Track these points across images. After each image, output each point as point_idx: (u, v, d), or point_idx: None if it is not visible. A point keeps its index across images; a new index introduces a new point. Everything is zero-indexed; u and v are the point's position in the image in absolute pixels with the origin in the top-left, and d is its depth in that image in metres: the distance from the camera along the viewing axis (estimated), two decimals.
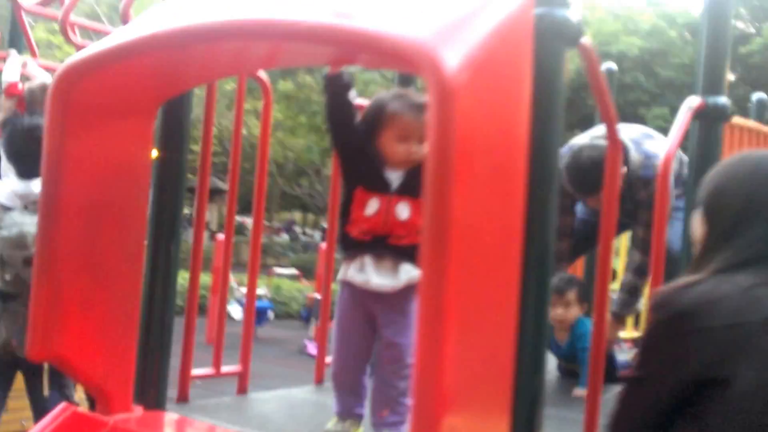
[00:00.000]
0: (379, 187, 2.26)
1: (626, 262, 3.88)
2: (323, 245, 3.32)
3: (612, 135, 2.36)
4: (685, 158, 3.48)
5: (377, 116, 2.31)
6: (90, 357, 2.22)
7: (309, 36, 1.69)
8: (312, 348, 8.30)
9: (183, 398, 2.67)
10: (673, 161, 2.73)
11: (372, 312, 2.31)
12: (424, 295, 1.53)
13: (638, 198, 3.32)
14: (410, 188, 2.24)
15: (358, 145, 2.30)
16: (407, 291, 2.27)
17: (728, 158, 1.82)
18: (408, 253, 2.22)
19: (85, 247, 2.18)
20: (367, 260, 2.26)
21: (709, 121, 2.77)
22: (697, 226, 1.76)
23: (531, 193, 1.76)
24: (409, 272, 2.25)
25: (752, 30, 14.87)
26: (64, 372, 2.36)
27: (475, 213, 1.60)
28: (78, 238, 2.15)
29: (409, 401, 2.31)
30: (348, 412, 2.36)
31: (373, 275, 2.25)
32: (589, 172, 3.18)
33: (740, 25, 14.56)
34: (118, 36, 2.05)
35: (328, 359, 2.75)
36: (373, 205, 2.25)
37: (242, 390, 2.87)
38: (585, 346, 3.15)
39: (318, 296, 7.30)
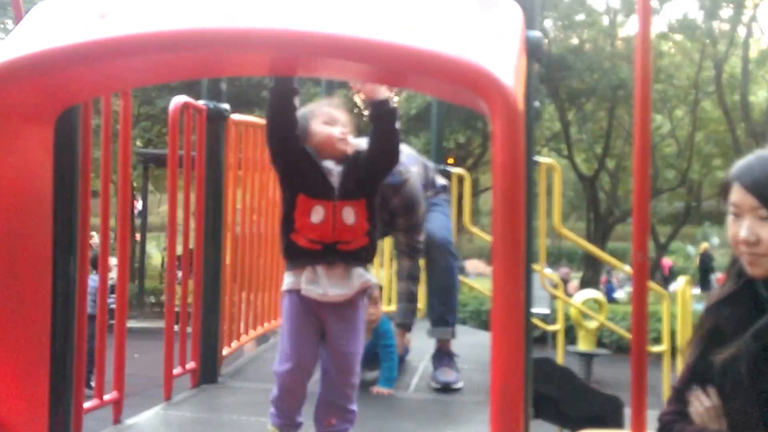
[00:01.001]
0: (322, 192, 2.25)
1: (397, 271, 3.81)
2: None
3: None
4: (430, 164, 3.86)
5: (304, 118, 2.38)
6: (15, 408, 1.89)
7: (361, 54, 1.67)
8: None
9: None
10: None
11: (321, 320, 2.29)
12: (502, 308, 1.60)
13: (392, 205, 3.36)
14: (350, 191, 2.28)
15: (298, 149, 2.28)
16: (356, 297, 2.30)
17: None
18: (357, 257, 2.26)
19: (2, 275, 1.85)
20: (320, 270, 2.23)
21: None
22: (760, 230, 1.60)
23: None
24: (361, 276, 2.28)
25: None
26: None
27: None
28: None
29: (354, 407, 2.36)
30: (291, 422, 2.33)
31: (328, 287, 2.23)
32: None
33: None
34: (30, 43, 1.80)
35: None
36: (318, 213, 2.23)
37: (117, 419, 2.61)
38: (388, 343, 3.31)
39: None
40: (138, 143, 16.77)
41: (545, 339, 10.23)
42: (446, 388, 3.41)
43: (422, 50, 1.65)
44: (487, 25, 1.83)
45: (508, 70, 1.66)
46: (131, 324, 13.57)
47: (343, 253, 2.24)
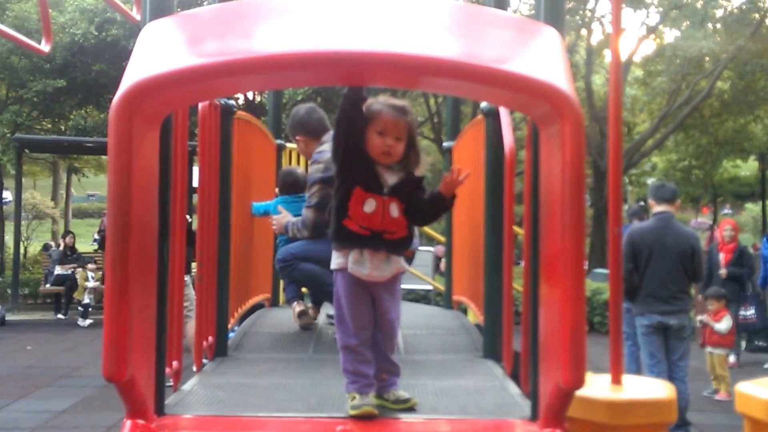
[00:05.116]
0: (375, 188, 2.61)
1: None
2: None
3: None
4: None
5: (368, 115, 2.63)
6: (140, 365, 2.20)
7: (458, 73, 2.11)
8: None
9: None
10: None
11: (372, 294, 2.68)
12: (571, 282, 2.10)
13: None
14: (399, 192, 2.64)
15: (358, 148, 2.62)
16: (396, 277, 2.71)
17: None
18: (397, 246, 2.66)
19: (139, 257, 2.17)
20: (366, 254, 2.61)
21: None
22: None
23: None
24: (397, 263, 2.68)
25: None
26: (126, 396, 2.20)
27: None
28: (137, 248, 2.14)
29: (397, 361, 2.76)
30: (368, 381, 2.66)
31: (371, 269, 2.62)
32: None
33: None
34: (164, 60, 2.12)
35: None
36: (371, 204, 2.59)
37: (176, 386, 2.92)
38: None
39: None
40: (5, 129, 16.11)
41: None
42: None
43: (513, 73, 2.10)
44: (543, 48, 2.29)
45: (570, 85, 2.14)
46: (11, 317, 13.00)
47: (387, 242, 2.62)
